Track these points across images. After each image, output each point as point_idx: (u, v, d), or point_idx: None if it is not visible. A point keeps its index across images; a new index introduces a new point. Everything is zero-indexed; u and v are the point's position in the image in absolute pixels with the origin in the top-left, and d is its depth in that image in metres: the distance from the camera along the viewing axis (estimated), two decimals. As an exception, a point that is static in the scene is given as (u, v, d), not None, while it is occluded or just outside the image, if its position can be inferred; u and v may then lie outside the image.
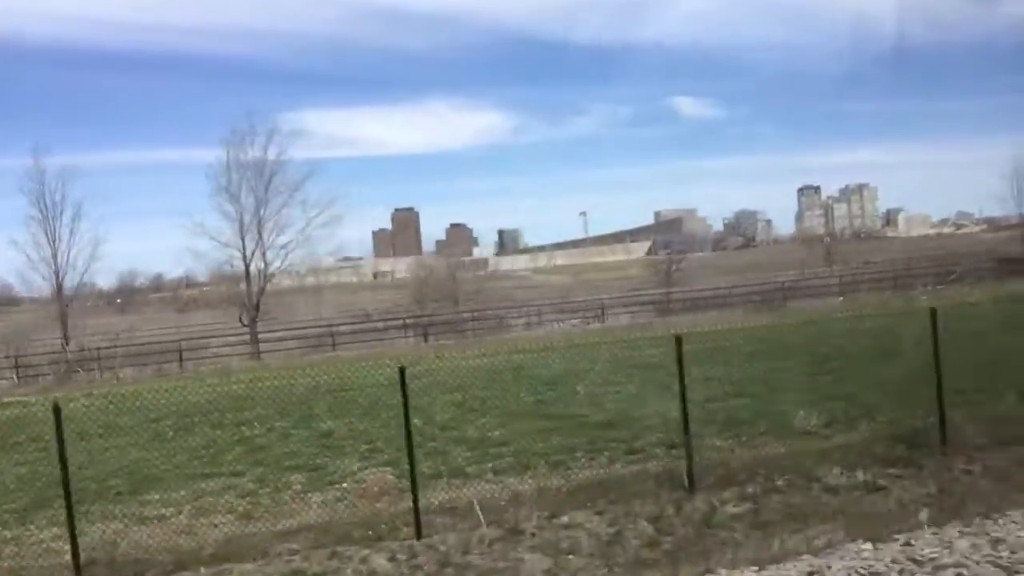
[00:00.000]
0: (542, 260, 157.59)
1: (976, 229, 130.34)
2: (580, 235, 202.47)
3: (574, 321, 31.85)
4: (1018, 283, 34.93)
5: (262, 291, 32.68)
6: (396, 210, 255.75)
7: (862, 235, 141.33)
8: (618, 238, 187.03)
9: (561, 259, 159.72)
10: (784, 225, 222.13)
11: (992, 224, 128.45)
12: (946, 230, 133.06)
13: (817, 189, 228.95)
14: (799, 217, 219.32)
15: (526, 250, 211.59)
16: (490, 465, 10.46)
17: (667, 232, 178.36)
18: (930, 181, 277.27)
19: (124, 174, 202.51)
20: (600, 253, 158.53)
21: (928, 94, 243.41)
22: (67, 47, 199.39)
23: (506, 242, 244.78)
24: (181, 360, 28.49)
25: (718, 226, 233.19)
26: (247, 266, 32.50)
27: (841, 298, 32.34)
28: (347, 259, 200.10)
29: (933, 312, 9.69)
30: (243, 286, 32.82)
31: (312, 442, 12.76)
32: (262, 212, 33.29)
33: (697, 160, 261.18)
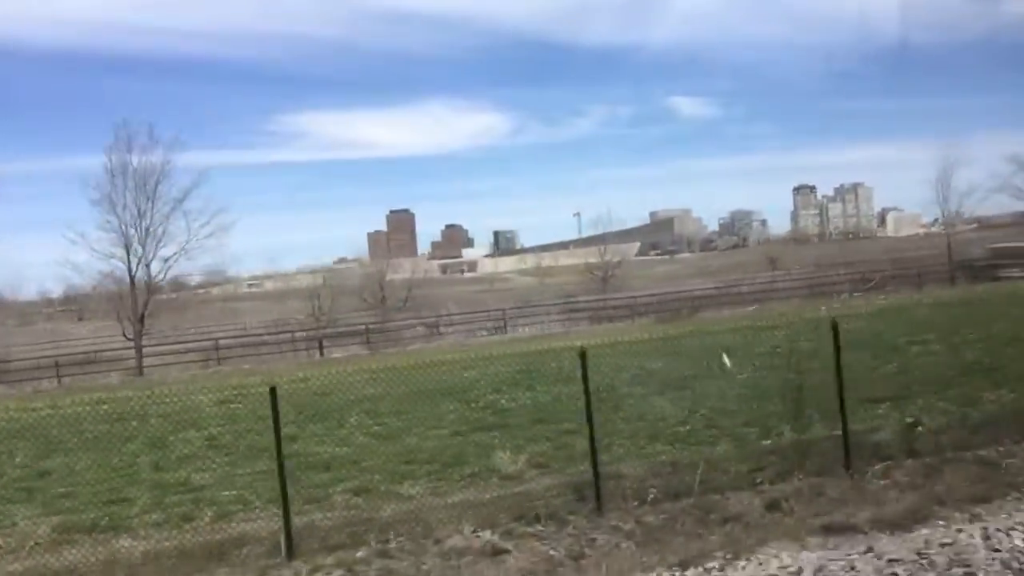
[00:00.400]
0: (530, 261, 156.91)
1: (965, 228, 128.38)
2: (575, 236, 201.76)
3: (483, 331, 30.94)
4: (947, 288, 33.89)
5: (146, 304, 31.76)
6: (391, 211, 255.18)
7: (851, 236, 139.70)
8: (610, 239, 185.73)
9: (550, 260, 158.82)
10: (781, 225, 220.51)
11: (983, 223, 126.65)
12: (935, 229, 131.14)
13: (813, 189, 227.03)
14: (794, 217, 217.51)
15: (520, 251, 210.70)
16: None
17: (658, 233, 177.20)
18: (927, 180, 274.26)
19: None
20: (590, 254, 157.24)
21: (925, 92, 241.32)
22: (60, 48, 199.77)
23: (502, 243, 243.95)
24: (59, 376, 27.72)
25: (713, 226, 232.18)
26: (132, 278, 31.59)
27: (753, 307, 31.24)
28: (343, 260, 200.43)
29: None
30: (127, 298, 31.85)
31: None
32: (145, 222, 32.35)
33: (695, 160, 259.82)
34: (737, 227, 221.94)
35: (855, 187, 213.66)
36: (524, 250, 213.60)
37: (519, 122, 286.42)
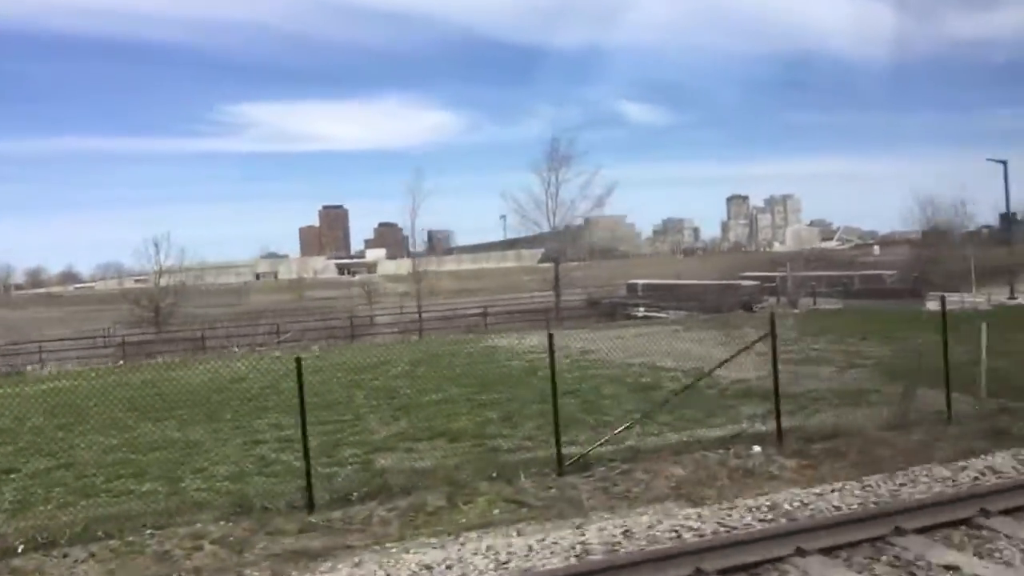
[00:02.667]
0: (448, 264, 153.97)
1: (855, 244, 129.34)
2: (500, 238, 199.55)
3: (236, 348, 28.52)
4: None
5: None
6: (324, 207, 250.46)
7: (744, 249, 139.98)
8: (522, 244, 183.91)
9: (469, 263, 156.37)
10: (716, 233, 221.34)
11: (884, 241, 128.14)
12: (832, 244, 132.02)
13: (745, 199, 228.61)
14: (724, 226, 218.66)
15: (449, 251, 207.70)
16: None
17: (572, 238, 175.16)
18: (859, 194, 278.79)
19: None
20: (505, 259, 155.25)
21: (868, 107, 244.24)
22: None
23: (435, 243, 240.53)
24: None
25: (647, 232, 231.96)
26: None
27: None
28: (272, 255, 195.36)
29: None
30: None
31: None
32: None
33: (641, 165, 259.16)
34: (670, 234, 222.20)
35: (784, 199, 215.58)
36: (450, 251, 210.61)
37: (471, 121, 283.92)
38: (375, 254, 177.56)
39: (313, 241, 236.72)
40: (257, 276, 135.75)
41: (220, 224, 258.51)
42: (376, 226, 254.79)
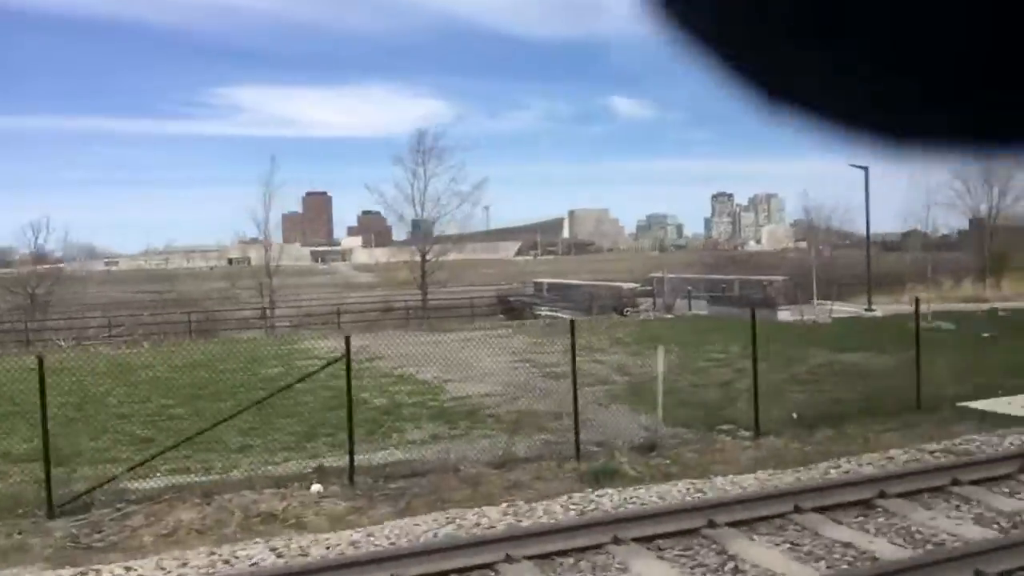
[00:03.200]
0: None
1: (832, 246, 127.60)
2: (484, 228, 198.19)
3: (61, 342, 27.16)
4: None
5: None
6: (308, 193, 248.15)
7: (719, 247, 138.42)
8: (514, 234, 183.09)
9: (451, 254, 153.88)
10: (700, 230, 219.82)
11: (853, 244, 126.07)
12: (802, 244, 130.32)
13: (730, 196, 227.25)
14: (707, 224, 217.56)
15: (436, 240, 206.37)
16: None
17: (548, 233, 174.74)
18: (855, 194, 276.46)
19: None
20: (488, 249, 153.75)
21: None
22: None
23: (419, 231, 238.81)
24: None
25: (631, 227, 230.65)
26: None
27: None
28: (253, 241, 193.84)
29: None
30: None
31: None
32: None
33: (630, 160, 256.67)
34: (654, 230, 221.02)
35: (768, 197, 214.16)
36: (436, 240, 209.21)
37: (462, 111, 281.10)
38: (351, 242, 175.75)
39: (296, 228, 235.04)
40: (230, 261, 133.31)
41: (211, 206, 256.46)
42: (360, 213, 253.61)
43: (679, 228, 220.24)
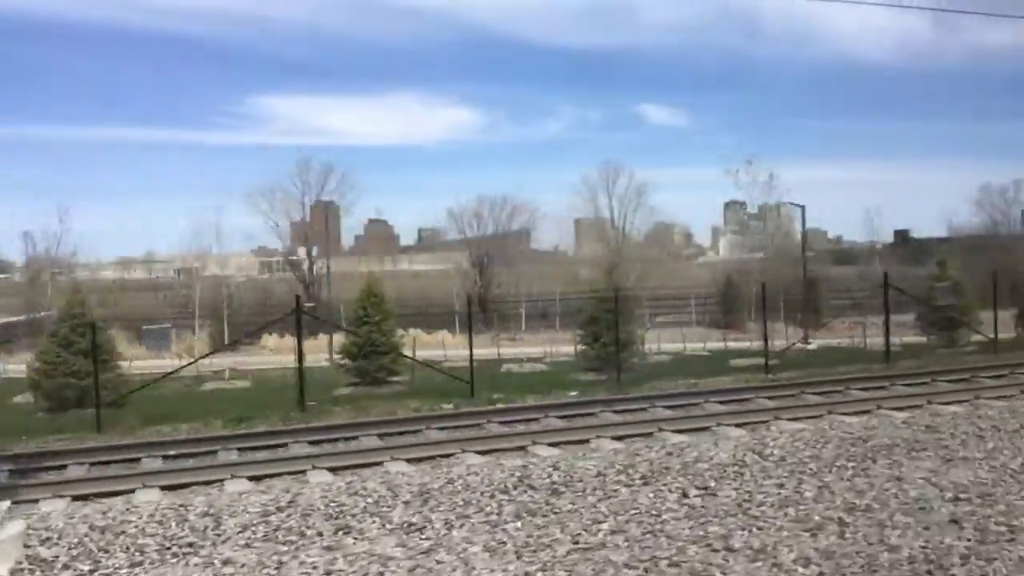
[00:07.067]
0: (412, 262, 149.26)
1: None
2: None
3: None
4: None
5: None
6: (317, 201, 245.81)
7: (683, 256, 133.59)
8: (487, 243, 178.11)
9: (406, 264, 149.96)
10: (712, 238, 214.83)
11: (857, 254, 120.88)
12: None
13: (743, 204, 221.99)
14: (715, 232, 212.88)
15: (435, 248, 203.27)
16: None
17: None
18: (863, 203, 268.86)
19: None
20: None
21: (888, 116, 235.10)
22: (15, 15, 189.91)
23: (425, 240, 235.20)
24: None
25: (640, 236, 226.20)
26: None
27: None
28: (261, 249, 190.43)
29: None
30: None
31: None
32: None
33: (658, 168, 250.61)
34: (660, 238, 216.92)
35: (778, 205, 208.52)
36: (445, 246, 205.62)
37: (490, 120, 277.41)
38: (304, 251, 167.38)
39: (302, 236, 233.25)
40: (178, 273, 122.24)
41: (230, 215, 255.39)
42: (366, 222, 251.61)
43: (689, 236, 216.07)
